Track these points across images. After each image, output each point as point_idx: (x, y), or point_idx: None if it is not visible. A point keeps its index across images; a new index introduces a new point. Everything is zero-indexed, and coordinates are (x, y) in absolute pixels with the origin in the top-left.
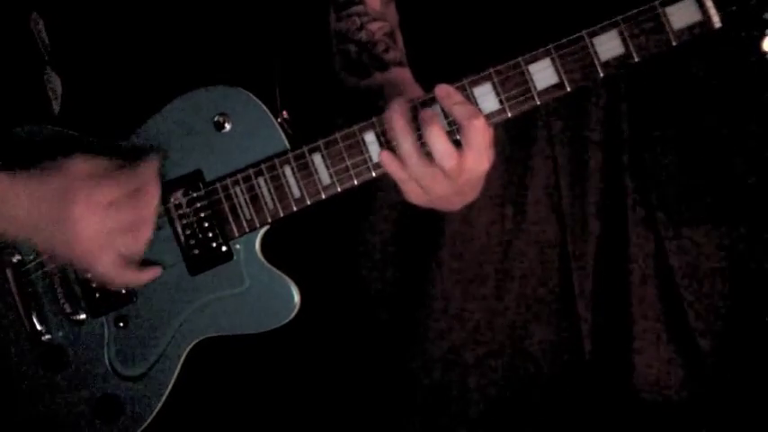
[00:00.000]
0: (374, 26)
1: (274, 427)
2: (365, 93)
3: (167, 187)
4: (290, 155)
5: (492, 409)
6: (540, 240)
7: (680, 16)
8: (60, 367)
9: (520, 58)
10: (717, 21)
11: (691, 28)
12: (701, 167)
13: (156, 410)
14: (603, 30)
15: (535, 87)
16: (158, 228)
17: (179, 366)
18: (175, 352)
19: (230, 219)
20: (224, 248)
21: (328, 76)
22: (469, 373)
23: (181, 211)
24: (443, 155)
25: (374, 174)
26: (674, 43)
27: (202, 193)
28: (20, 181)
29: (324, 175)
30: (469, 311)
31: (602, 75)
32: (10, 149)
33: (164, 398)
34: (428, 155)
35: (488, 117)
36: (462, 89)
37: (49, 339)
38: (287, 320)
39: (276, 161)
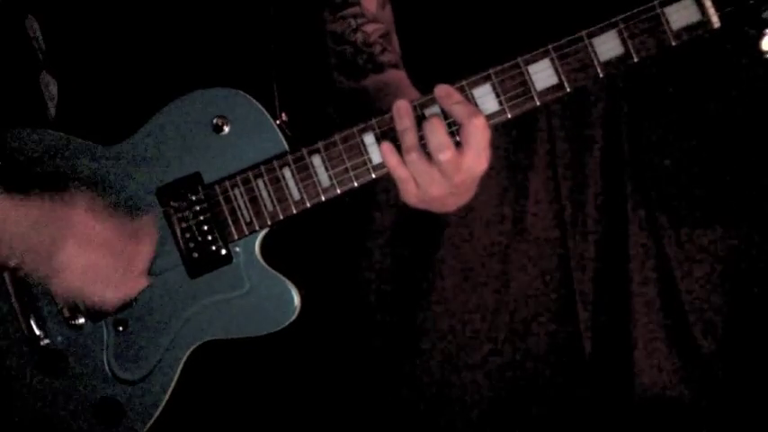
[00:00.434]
0: (370, 28)
1: (275, 430)
2: (361, 94)
3: (166, 190)
4: (290, 157)
5: (492, 409)
6: (540, 240)
7: (679, 16)
8: (59, 372)
9: (519, 59)
10: (716, 21)
11: (690, 28)
12: (701, 168)
13: (157, 414)
14: (603, 30)
15: (535, 88)
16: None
17: (179, 370)
18: (175, 355)
19: (230, 221)
20: (223, 251)
21: (327, 78)
22: (470, 373)
23: (180, 215)
24: (440, 147)
25: (374, 175)
26: (673, 43)
27: (201, 195)
28: (25, 204)
29: (323, 177)
30: (469, 312)
31: (601, 75)
32: (7, 152)
33: (164, 401)
34: (428, 153)
35: (488, 118)
36: (461, 90)
37: (47, 344)
38: (287, 323)
39: (275, 163)
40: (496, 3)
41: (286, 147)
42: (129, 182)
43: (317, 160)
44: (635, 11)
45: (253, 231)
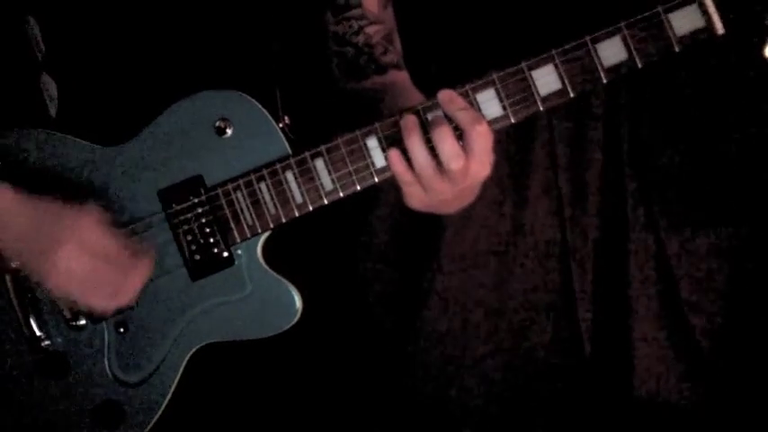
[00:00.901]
0: (372, 29)
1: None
2: (363, 96)
3: (168, 192)
4: (292, 160)
5: (492, 409)
6: (540, 240)
7: (683, 22)
8: (60, 373)
9: (523, 64)
10: (720, 27)
11: (694, 34)
12: (701, 168)
13: (158, 416)
14: (607, 35)
15: (538, 93)
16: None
17: (180, 372)
18: (177, 357)
19: (232, 224)
20: (225, 254)
21: (329, 80)
22: (469, 373)
23: (182, 217)
24: (451, 156)
25: (377, 179)
26: (677, 49)
27: (203, 198)
28: (28, 200)
29: (326, 181)
30: (469, 311)
31: (605, 81)
32: (7, 153)
33: (165, 404)
34: (436, 158)
35: (491, 123)
36: (465, 95)
37: (48, 345)
38: (289, 326)
39: (278, 166)
40: (499, 5)
41: (288, 150)
42: (130, 184)
43: (319, 163)
44: (639, 16)
45: (255, 234)
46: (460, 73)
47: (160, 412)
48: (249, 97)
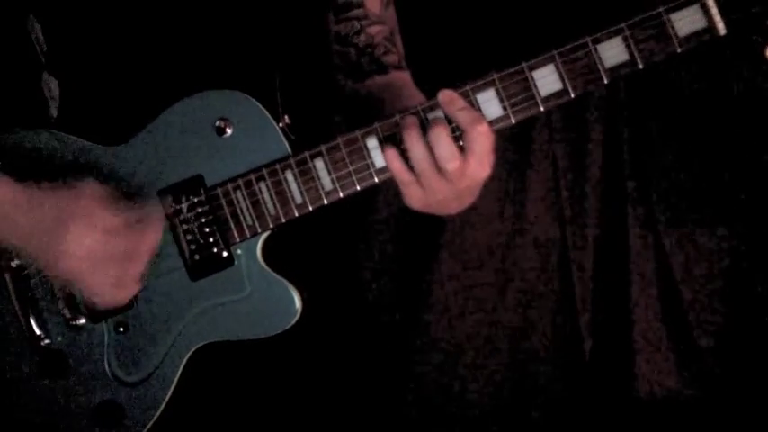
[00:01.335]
0: (373, 29)
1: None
2: (364, 96)
3: (168, 192)
4: (292, 160)
5: (492, 409)
6: (540, 240)
7: (685, 23)
8: (60, 373)
9: (524, 64)
10: (722, 27)
11: (696, 35)
12: (701, 168)
13: (157, 416)
14: (608, 36)
15: (539, 94)
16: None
17: (179, 372)
18: (176, 357)
19: (231, 224)
20: (225, 254)
21: (330, 80)
22: (469, 374)
23: (182, 217)
24: (446, 157)
25: (377, 179)
26: (678, 50)
27: (203, 198)
28: (26, 189)
29: (326, 181)
30: (469, 312)
31: (606, 81)
32: (8, 152)
33: (164, 403)
34: (435, 161)
35: (492, 123)
36: (465, 95)
37: (48, 344)
38: (288, 326)
39: (278, 166)
40: (501, 6)
41: (288, 150)
42: (130, 183)
43: (319, 163)
44: (640, 17)
45: (254, 234)
46: (461, 73)
47: (159, 412)
48: (249, 97)
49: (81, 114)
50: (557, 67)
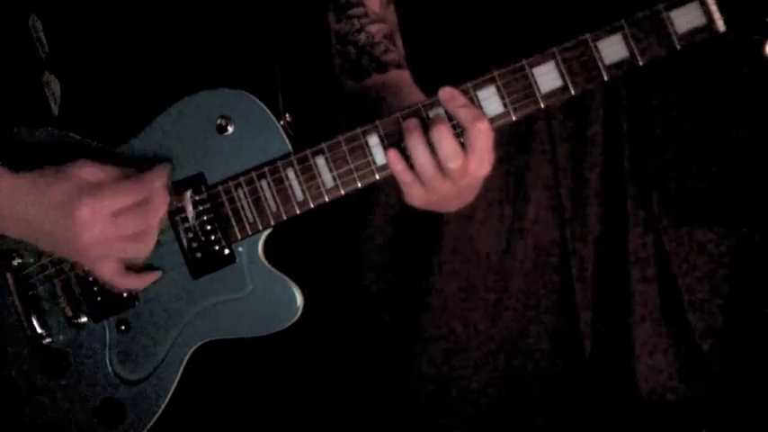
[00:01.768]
0: (373, 28)
1: (276, 429)
2: (364, 94)
3: (169, 190)
4: (293, 158)
5: (492, 409)
6: (540, 240)
7: (684, 20)
8: (62, 371)
9: (524, 61)
10: (721, 24)
11: (695, 32)
12: (701, 168)
13: (159, 414)
14: (608, 33)
15: (539, 90)
16: (162, 232)
17: (181, 370)
18: (178, 355)
19: (233, 222)
20: (226, 251)
21: (331, 78)
22: (469, 373)
23: (183, 214)
24: (449, 155)
25: (378, 177)
26: (678, 47)
27: (204, 196)
28: (27, 182)
29: (327, 178)
30: (469, 311)
31: (606, 78)
32: (9, 151)
33: (166, 401)
34: (436, 158)
35: (492, 120)
36: (466, 92)
37: (49, 343)
38: (290, 324)
39: (279, 164)
40: (501, 3)
41: (290, 147)
42: None
43: (320, 161)
44: (640, 14)
45: (256, 231)
46: (462, 71)
47: (161, 410)
48: (250, 95)
49: (82, 113)
50: (557, 64)
